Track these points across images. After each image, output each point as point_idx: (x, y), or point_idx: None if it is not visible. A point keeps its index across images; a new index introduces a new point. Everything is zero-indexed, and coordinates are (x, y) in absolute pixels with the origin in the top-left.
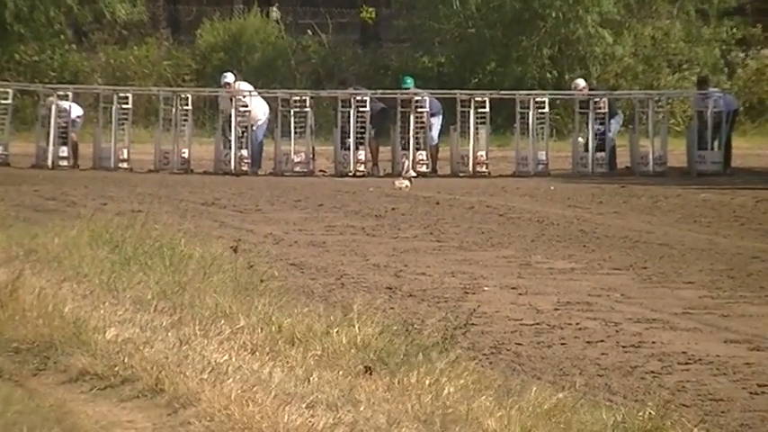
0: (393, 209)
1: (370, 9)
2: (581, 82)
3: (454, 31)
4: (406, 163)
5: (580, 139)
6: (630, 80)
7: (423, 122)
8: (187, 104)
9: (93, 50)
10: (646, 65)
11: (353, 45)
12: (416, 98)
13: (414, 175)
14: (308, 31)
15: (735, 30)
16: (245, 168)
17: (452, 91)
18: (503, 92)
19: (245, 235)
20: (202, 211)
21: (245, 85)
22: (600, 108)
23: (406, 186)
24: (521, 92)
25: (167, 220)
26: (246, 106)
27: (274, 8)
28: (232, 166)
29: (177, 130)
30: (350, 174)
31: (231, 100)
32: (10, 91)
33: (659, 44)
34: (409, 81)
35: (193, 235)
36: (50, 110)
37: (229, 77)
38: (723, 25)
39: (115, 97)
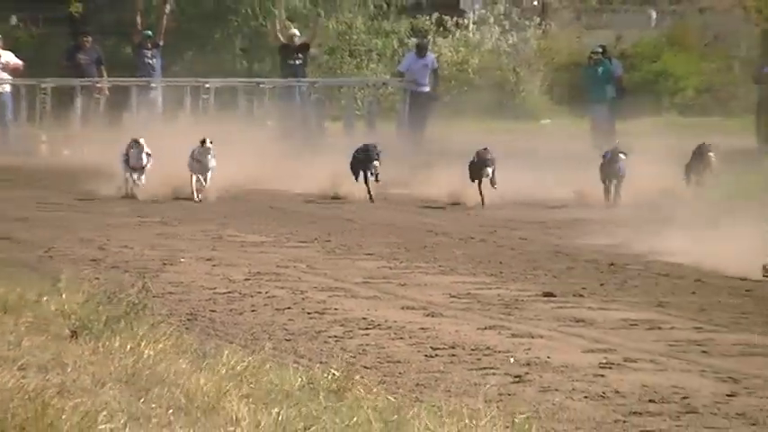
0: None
1: (78, 3)
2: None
3: None
4: None
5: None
6: (315, 68)
7: None
8: None
9: None
10: (329, 55)
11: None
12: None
13: None
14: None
15: (411, 23)
16: None
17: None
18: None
19: None
20: None
21: None
22: None
23: None
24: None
25: None
26: None
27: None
28: None
29: None
30: None
31: None
32: None
33: (342, 36)
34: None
35: None
36: None
37: None
38: (401, 19)
39: None
